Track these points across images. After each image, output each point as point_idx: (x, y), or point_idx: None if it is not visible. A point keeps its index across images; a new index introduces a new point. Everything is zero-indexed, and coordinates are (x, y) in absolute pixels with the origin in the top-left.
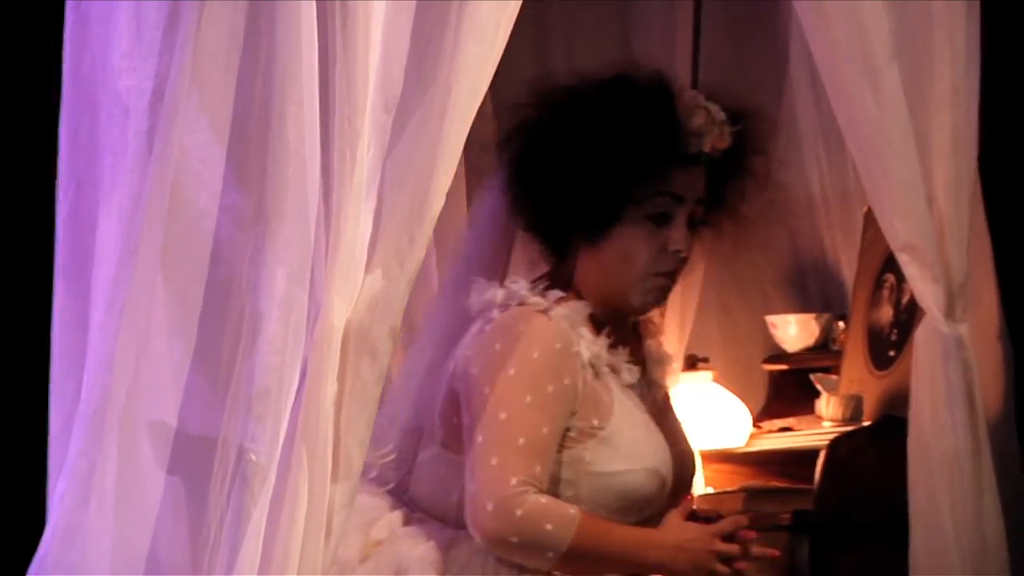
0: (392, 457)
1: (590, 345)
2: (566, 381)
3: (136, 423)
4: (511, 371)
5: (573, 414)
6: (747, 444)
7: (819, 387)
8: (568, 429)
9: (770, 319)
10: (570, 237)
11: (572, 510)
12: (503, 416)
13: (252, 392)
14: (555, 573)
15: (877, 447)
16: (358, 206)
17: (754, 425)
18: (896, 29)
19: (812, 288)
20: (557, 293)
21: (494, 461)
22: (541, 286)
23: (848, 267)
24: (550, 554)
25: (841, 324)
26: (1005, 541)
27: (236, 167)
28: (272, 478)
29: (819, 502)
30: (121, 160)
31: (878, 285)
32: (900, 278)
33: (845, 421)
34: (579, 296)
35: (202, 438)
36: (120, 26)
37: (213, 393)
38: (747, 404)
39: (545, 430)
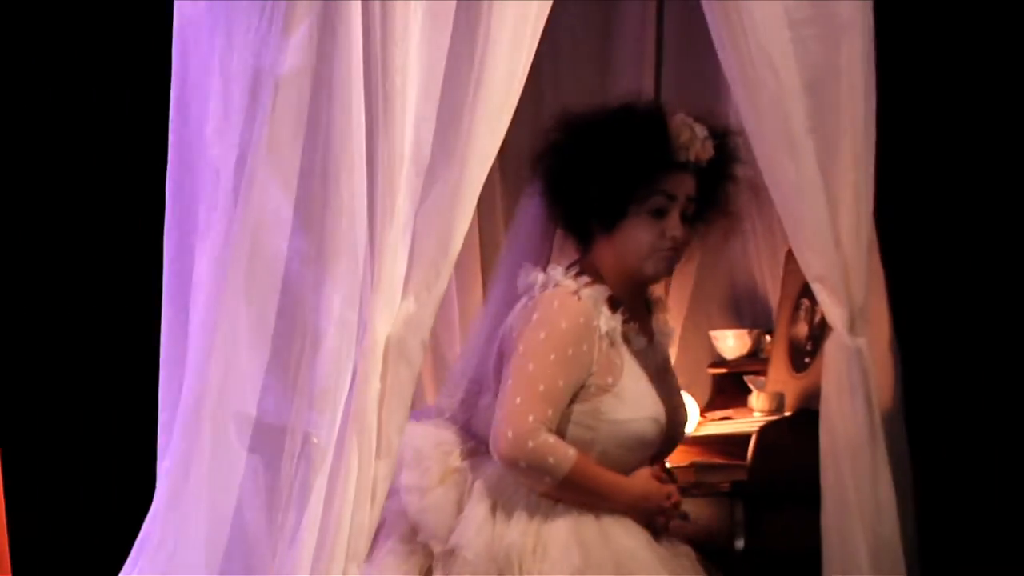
0: (460, 400)
1: (608, 320)
2: (584, 348)
3: (225, 415)
4: (542, 335)
5: (591, 374)
6: (695, 430)
7: (751, 386)
8: (588, 386)
9: (713, 333)
10: (591, 231)
11: (571, 451)
12: (530, 367)
13: (314, 391)
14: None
15: (796, 432)
16: (396, 247)
17: (701, 415)
18: (811, 111)
19: (746, 309)
20: (585, 278)
21: (518, 400)
22: (573, 272)
23: (773, 293)
24: (547, 479)
25: (768, 337)
26: (895, 506)
27: (302, 217)
28: (330, 457)
29: (751, 474)
30: (213, 211)
31: (796, 307)
32: (813, 302)
33: (771, 412)
34: (601, 280)
35: (276, 426)
36: (213, 105)
37: (284, 391)
38: (695, 399)
39: (561, 383)
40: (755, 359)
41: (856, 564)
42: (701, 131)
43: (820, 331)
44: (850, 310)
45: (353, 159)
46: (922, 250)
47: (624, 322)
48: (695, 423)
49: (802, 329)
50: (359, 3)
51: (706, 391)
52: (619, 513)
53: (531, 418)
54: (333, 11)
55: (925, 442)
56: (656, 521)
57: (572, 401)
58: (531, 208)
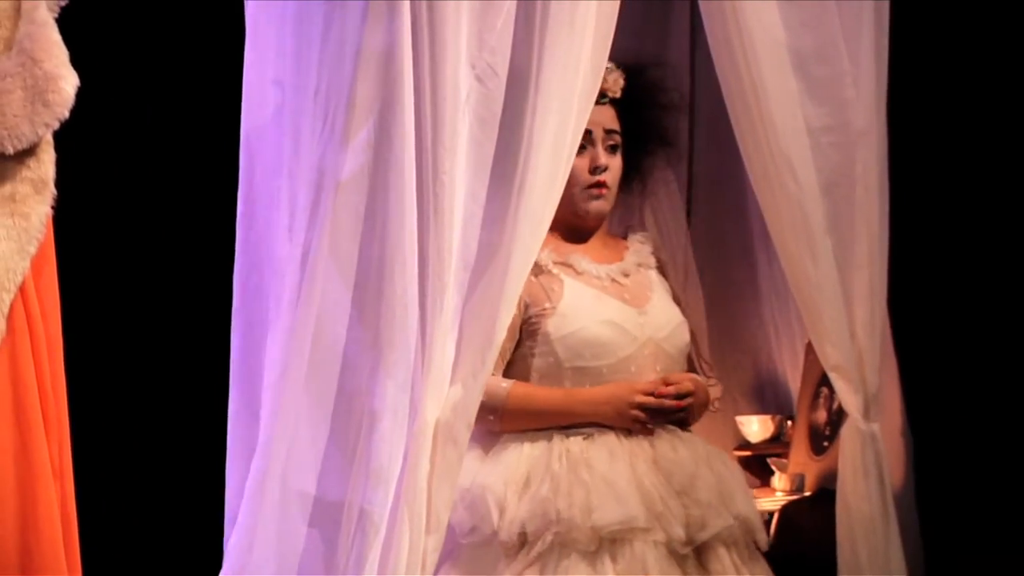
0: None
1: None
2: None
3: (288, 492)
4: None
5: (526, 306)
6: None
7: (774, 468)
8: (529, 318)
9: (739, 419)
10: None
11: (504, 384)
12: None
13: (370, 468)
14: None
15: (815, 511)
16: (445, 337)
17: None
18: (828, 212)
19: (769, 396)
20: None
21: None
22: None
23: (794, 381)
24: (491, 417)
25: (790, 423)
26: None
27: (359, 309)
28: (383, 530)
29: (774, 549)
30: (279, 303)
31: (816, 395)
32: (832, 390)
33: (792, 492)
34: (550, 228)
35: (335, 501)
36: (279, 207)
37: (342, 470)
38: None
39: None
40: (778, 443)
41: None
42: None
43: (838, 417)
44: (864, 397)
45: (406, 255)
46: (932, 341)
47: (564, 253)
48: None
49: (821, 415)
50: (411, 110)
51: None
52: (593, 424)
53: None
54: (389, 117)
55: (936, 521)
56: (627, 419)
57: (522, 339)
58: None
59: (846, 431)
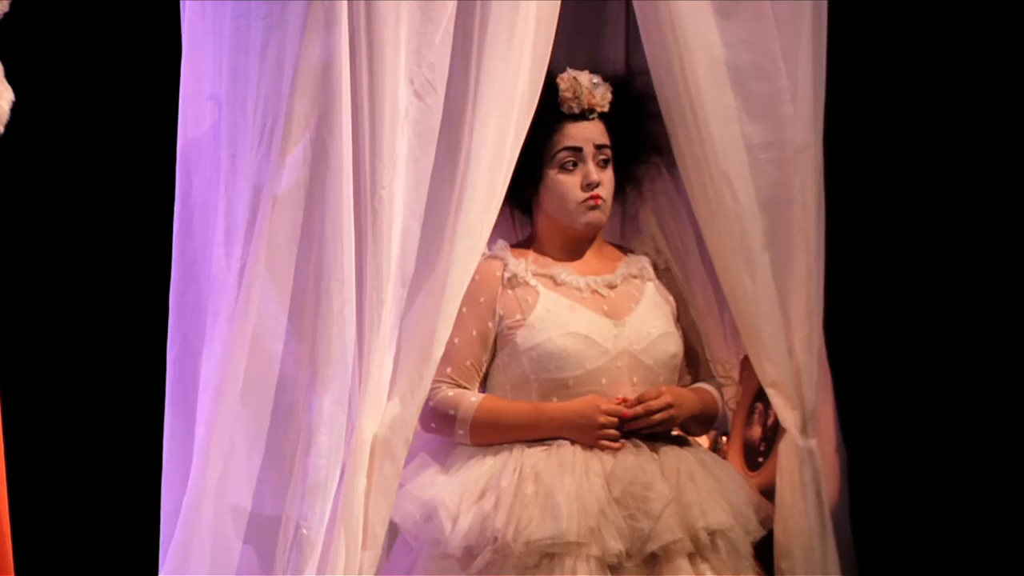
0: None
1: (513, 266)
2: (481, 299)
3: (223, 507)
4: None
5: (500, 318)
6: None
7: None
8: (501, 331)
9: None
10: (525, 202)
11: (473, 398)
12: None
13: (306, 484)
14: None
15: None
16: (383, 352)
17: None
18: (766, 228)
19: None
20: (501, 243)
21: None
22: (511, 244)
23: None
24: (460, 431)
25: (724, 439)
26: None
27: (296, 324)
28: (319, 547)
29: None
30: (215, 319)
31: (751, 411)
32: (767, 406)
33: None
34: (540, 242)
35: (270, 517)
36: (218, 225)
37: (278, 486)
38: None
39: (456, 340)
40: None
41: None
42: (588, 80)
43: (773, 433)
44: (802, 413)
45: (343, 270)
46: (866, 358)
47: (545, 264)
48: None
49: (756, 431)
50: (349, 125)
51: None
52: (562, 440)
53: (433, 382)
54: (326, 132)
55: (869, 537)
56: (591, 438)
57: (496, 351)
58: None
59: (784, 447)
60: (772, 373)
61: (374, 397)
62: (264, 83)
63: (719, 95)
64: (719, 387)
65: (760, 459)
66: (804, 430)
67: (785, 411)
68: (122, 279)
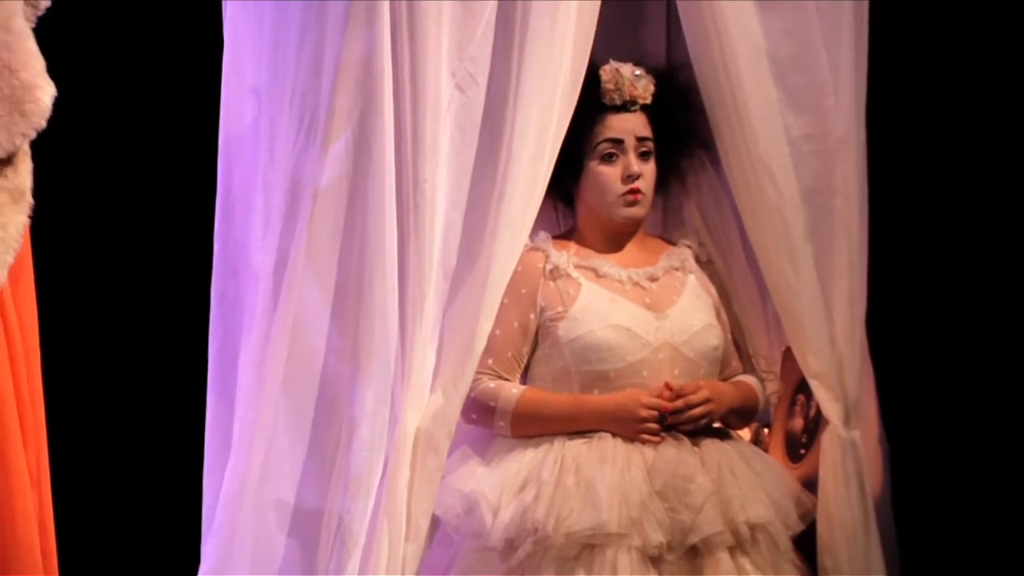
0: None
1: (555, 258)
2: (523, 291)
3: (265, 501)
4: None
5: (542, 310)
6: None
7: None
8: (543, 323)
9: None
10: (568, 193)
11: (515, 390)
12: None
13: (349, 478)
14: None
15: None
16: (425, 346)
17: None
18: (808, 220)
19: None
20: (544, 235)
21: None
22: (552, 235)
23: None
24: (501, 423)
25: (766, 430)
26: None
27: (338, 318)
28: (362, 540)
29: None
30: (254, 312)
31: (793, 402)
32: (808, 397)
33: None
34: (580, 234)
35: (313, 510)
36: (255, 216)
37: (321, 479)
38: None
39: (498, 332)
40: None
41: None
42: (631, 71)
43: (815, 424)
44: (845, 405)
45: (385, 264)
46: (908, 350)
47: (579, 256)
48: None
49: (798, 423)
50: (391, 118)
51: None
52: (602, 432)
53: (475, 373)
54: (368, 126)
55: (911, 528)
56: (632, 432)
57: (538, 343)
58: None
59: (827, 439)
60: (815, 364)
61: (417, 390)
62: (302, 76)
63: (761, 87)
64: (761, 381)
65: (802, 451)
66: (847, 421)
67: (828, 402)
68: (164, 274)
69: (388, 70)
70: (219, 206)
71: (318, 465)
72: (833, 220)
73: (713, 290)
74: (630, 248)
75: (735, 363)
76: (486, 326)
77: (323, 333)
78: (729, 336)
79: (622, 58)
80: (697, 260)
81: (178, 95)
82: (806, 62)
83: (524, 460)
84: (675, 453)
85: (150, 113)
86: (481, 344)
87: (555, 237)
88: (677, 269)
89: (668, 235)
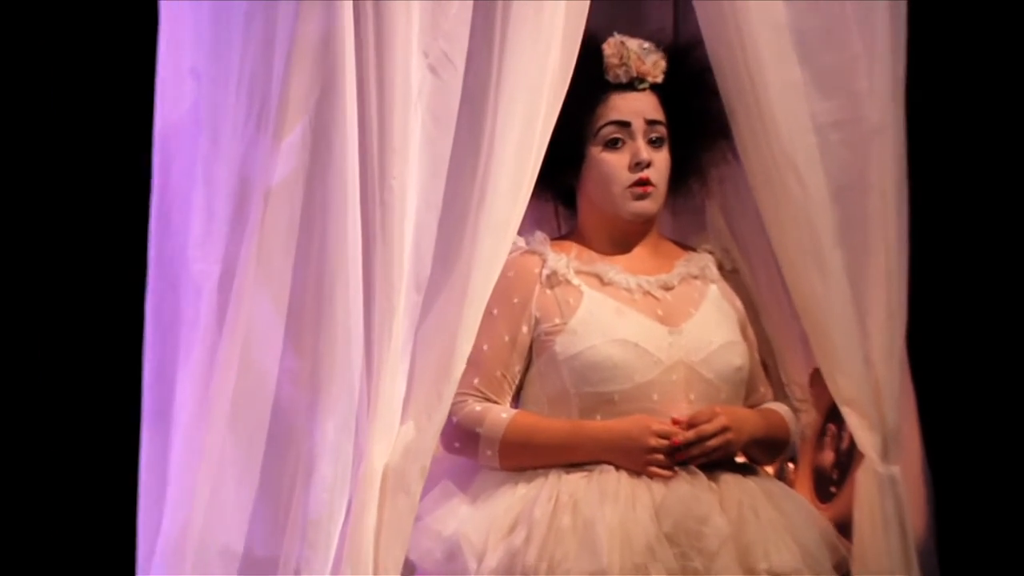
0: None
1: (553, 262)
2: (515, 300)
3: (209, 550)
4: None
5: (536, 321)
6: None
7: None
8: (538, 336)
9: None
10: (567, 188)
11: (504, 414)
12: None
13: (306, 523)
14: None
15: None
16: (394, 368)
17: None
18: (838, 221)
19: None
20: (540, 235)
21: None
22: (550, 236)
23: None
24: (488, 452)
25: (791, 465)
26: None
27: (293, 336)
28: None
29: None
30: (195, 330)
31: (822, 433)
32: (840, 427)
33: None
34: (583, 234)
35: (265, 559)
36: (194, 218)
37: (274, 522)
38: None
39: (485, 347)
40: None
41: None
42: (638, 45)
43: (847, 458)
44: (883, 435)
45: (348, 273)
46: (954, 371)
47: (591, 260)
48: None
49: (828, 456)
50: (354, 104)
51: None
52: (605, 465)
53: (457, 395)
54: (326, 113)
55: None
56: (639, 465)
57: (532, 360)
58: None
59: (862, 475)
60: (847, 389)
61: (385, 420)
62: (251, 57)
63: (782, 67)
64: (794, 411)
65: (833, 488)
66: (885, 454)
67: (863, 432)
68: (90, 286)
69: (350, 49)
70: (154, 207)
71: (271, 507)
72: (867, 221)
73: (738, 303)
74: (640, 252)
75: (763, 389)
76: (465, 346)
77: (276, 355)
78: (756, 356)
79: (625, 32)
80: (720, 268)
81: (103, 78)
82: (835, 38)
83: (514, 497)
84: (688, 489)
85: (70, 98)
86: (459, 367)
87: (554, 239)
88: (696, 277)
89: (687, 239)
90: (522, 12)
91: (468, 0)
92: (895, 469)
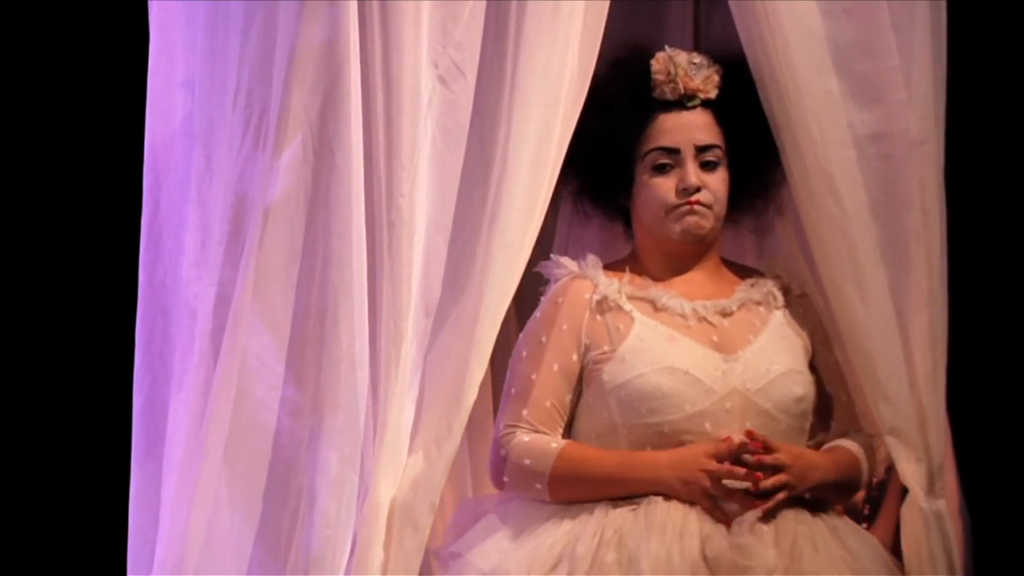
0: None
1: (605, 288)
2: (565, 327)
3: None
4: (523, 333)
5: (586, 349)
6: None
7: None
8: (586, 364)
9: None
10: (622, 212)
11: (554, 444)
12: (509, 372)
13: (309, 560)
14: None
15: None
16: (402, 397)
17: None
18: (878, 239)
19: None
20: (592, 259)
21: (502, 414)
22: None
23: None
24: (538, 485)
25: None
26: None
27: (294, 364)
28: None
29: None
30: (189, 357)
31: None
32: None
33: None
34: (637, 259)
35: None
36: (188, 239)
37: (274, 561)
38: None
39: (534, 376)
40: None
41: None
42: (687, 60)
43: (879, 492)
44: (928, 468)
45: (353, 297)
46: (994, 400)
47: (633, 285)
48: None
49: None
50: (359, 117)
51: None
52: (659, 496)
53: (502, 426)
54: (330, 126)
55: None
56: (695, 489)
57: (583, 390)
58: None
59: (907, 512)
60: (890, 417)
61: (392, 452)
62: (248, 66)
63: (817, 77)
64: (868, 446)
65: (864, 524)
66: (931, 488)
67: (907, 465)
68: (78, 311)
69: (355, 58)
70: (145, 227)
71: (270, 545)
72: (908, 239)
73: (806, 331)
74: (697, 276)
75: (833, 423)
76: (477, 373)
77: (276, 383)
78: (822, 387)
79: (642, 39)
80: (787, 293)
81: (93, 90)
82: (872, 46)
83: (560, 532)
84: (752, 525)
85: (59, 111)
86: (471, 394)
87: (607, 264)
88: (759, 303)
89: (755, 263)
90: (537, 16)
91: (480, 6)
92: (940, 504)
